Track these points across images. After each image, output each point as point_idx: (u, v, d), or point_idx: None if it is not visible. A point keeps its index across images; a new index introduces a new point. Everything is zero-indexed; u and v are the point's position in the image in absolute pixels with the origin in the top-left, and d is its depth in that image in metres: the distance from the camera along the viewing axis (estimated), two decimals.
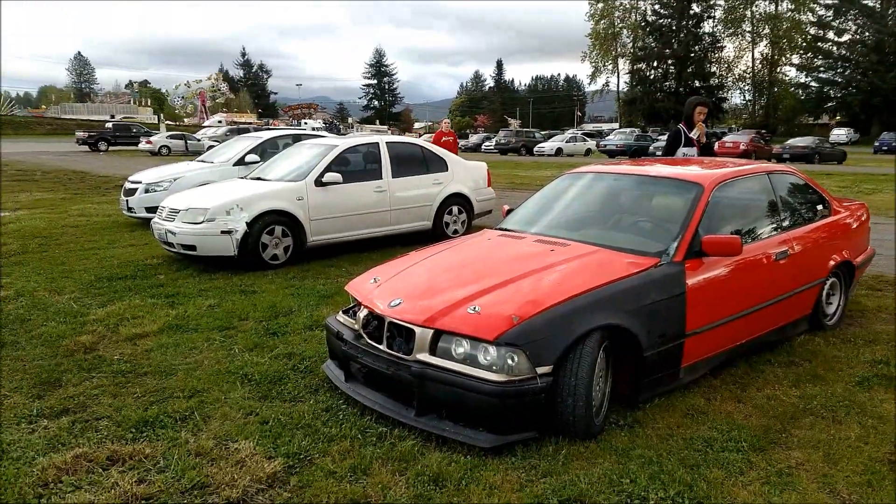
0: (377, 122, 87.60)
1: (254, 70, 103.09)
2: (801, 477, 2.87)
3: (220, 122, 52.77)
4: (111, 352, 4.39)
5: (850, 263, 4.95)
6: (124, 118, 55.93)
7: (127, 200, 9.62)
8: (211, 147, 17.48)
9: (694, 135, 6.43)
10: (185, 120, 68.80)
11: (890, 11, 55.93)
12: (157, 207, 7.62)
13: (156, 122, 52.21)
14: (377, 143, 8.08)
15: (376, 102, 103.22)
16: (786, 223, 4.47)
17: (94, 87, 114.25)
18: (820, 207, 4.88)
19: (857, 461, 3.00)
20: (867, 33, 56.82)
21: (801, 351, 4.40)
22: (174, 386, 3.80)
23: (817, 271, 4.63)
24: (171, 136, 34.29)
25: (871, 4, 57.00)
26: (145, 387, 3.79)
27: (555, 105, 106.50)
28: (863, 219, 5.29)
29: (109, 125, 41.36)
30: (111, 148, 36.22)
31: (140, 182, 9.58)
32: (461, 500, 2.66)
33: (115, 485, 2.73)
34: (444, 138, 12.41)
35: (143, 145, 33.61)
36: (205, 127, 45.66)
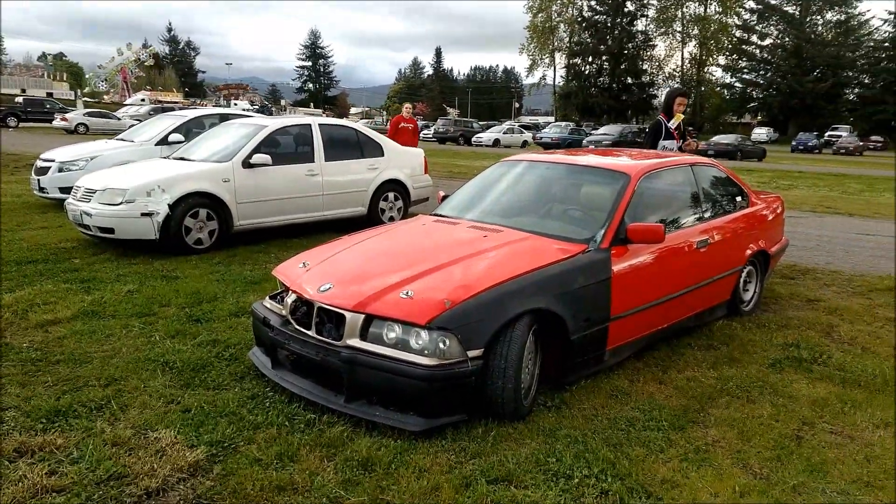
0: (311, 105, 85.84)
1: (181, 47, 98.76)
2: (717, 453, 3.00)
3: (143, 100, 50.32)
4: (19, 339, 4.12)
5: (766, 252, 5.21)
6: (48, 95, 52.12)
7: (38, 180, 9.02)
8: (132, 126, 16.68)
9: (673, 125, 6.46)
10: (105, 97, 65.23)
11: (808, 19, 59.15)
12: (71, 188, 7.20)
13: (72, 98, 49.37)
14: (309, 125, 7.88)
15: (311, 85, 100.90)
16: (707, 213, 4.65)
17: (2, 57, 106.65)
18: (739, 199, 5.11)
19: (768, 438, 3.17)
20: (787, 38, 59.90)
21: (719, 335, 4.61)
22: (89, 374, 3.60)
23: (735, 260, 4.85)
24: (90, 114, 32.48)
25: (791, 11, 60.07)
26: (57, 375, 3.58)
27: (493, 96, 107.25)
28: (778, 211, 5.57)
29: (20, 100, 38.79)
30: (22, 124, 33.92)
31: (53, 160, 9.01)
32: (390, 484, 2.64)
33: (24, 477, 2.57)
34: (402, 124, 10.93)
35: (57, 122, 31.61)
36: (126, 105, 43.55)
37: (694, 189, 4.67)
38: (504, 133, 39.52)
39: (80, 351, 3.96)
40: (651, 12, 64.66)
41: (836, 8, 58.39)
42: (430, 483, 2.65)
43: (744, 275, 4.99)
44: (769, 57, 61.34)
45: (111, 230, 6.33)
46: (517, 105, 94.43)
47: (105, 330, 4.33)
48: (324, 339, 3.24)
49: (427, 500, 2.56)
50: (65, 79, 72.49)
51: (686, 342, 4.42)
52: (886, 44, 55.93)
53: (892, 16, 55.12)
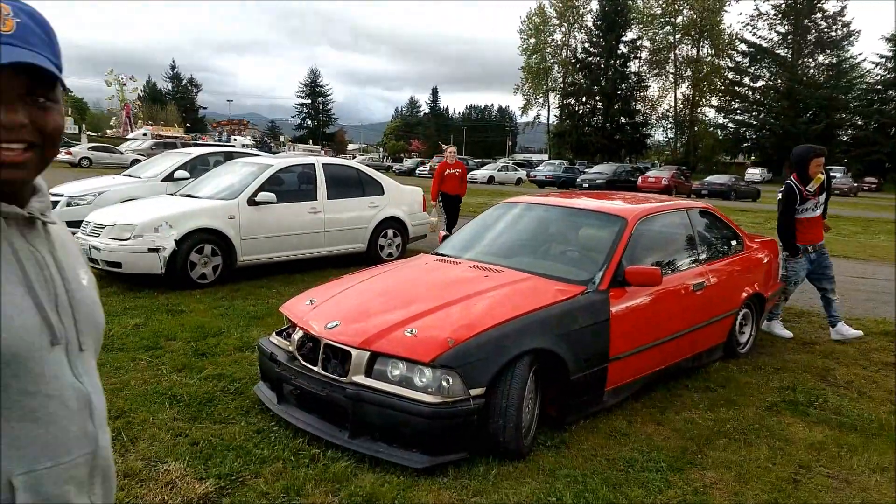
0: (310, 141, 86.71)
1: (183, 83, 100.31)
2: (715, 495, 3.06)
3: (145, 134, 50.91)
4: None
5: (762, 295, 5.32)
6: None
7: None
8: (136, 161, 16.89)
9: (811, 188, 5.65)
10: (108, 132, 65.90)
11: (800, 62, 60.43)
12: (79, 222, 7.31)
13: (76, 132, 49.86)
14: (312, 164, 8.08)
15: (310, 122, 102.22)
16: (703, 256, 4.78)
17: None
18: (734, 242, 5.25)
19: (765, 480, 3.22)
20: (779, 80, 61.10)
21: (716, 377, 4.68)
22: None
23: (731, 302, 4.95)
24: (94, 148, 32.81)
25: (783, 54, 61.41)
26: None
27: (487, 134, 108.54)
28: (773, 254, 5.71)
29: None
30: None
31: (62, 195, 9.14)
32: None
33: None
34: (448, 171, 9.54)
35: (62, 156, 31.93)
36: (129, 139, 43.97)
37: (689, 232, 4.80)
38: (499, 170, 40.00)
39: None
40: (644, 54, 66.09)
41: (828, 51, 59.70)
42: None
43: (739, 317, 5.09)
44: (762, 98, 62.47)
45: (118, 264, 6.43)
46: (511, 143, 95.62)
47: (114, 363, 4.39)
48: (329, 375, 3.32)
49: None
50: (69, 113, 73.42)
51: (683, 384, 4.50)
52: (879, 86, 57.01)
53: (884, 59, 56.39)
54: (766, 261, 5.52)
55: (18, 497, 0.84)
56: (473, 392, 3.09)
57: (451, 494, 2.92)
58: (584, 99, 66.65)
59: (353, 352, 3.23)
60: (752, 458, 3.46)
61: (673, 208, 4.86)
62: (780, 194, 5.76)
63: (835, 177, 45.18)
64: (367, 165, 9.40)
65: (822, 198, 5.79)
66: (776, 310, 5.90)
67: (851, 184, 42.39)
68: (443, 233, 5.17)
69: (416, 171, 42.57)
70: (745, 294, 5.07)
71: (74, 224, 7.94)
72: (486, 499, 2.88)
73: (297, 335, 3.60)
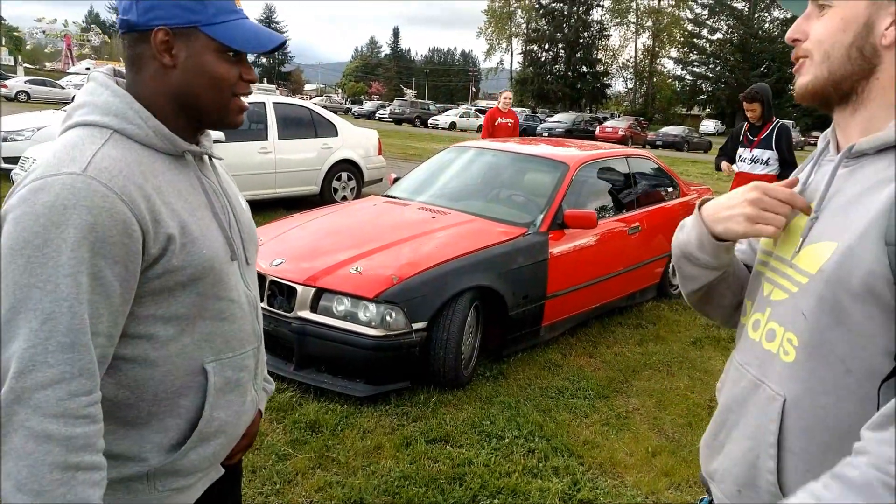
0: (265, 80, 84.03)
1: None
2: (636, 419, 3.34)
3: (88, 69, 48.45)
4: None
5: None
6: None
7: None
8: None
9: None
10: (47, 64, 62.41)
11: (755, 16, 60.98)
12: (17, 158, 7.09)
13: (11, 63, 47.13)
14: (263, 103, 7.91)
15: (264, 60, 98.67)
16: (639, 202, 4.98)
17: None
18: (671, 189, 5.47)
19: (683, 406, 3.52)
20: (735, 34, 61.67)
21: (648, 315, 4.98)
22: None
23: (665, 246, 5.19)
24: (31, 81, 31.15)
25: (740, 7, 61.81)
26: None
27: (450, 78, 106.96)
28: None
29: None
30: None
31: None
32: (335, 443, 2.87)
33: None
34: (499, 120, 8.15)
35: None
36: (70, 73, 41.85)
37: (629, 179, 4.99)
38: (460, 116, 39.67)
39: None
40: (607, 2, 65.59)
41: (782, 7, 60.37)
42: (373, 442, 2.90)
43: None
44: (718, 51, 63.09)
45: None
46: (474, 89, 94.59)
47: None
48: (275, 310, 3.42)
49: (370, 457, 2.80)
50: (3, 43, 69.00)
51: (617, 321, 4.77)
52: None
53: None
54: None
55: (210, 378, 1.07)
56: (416, 326, 3.25)
57: (392, 420, 3.10)
58: (546, 46, 66.08)
59: (299, 288, 3.33)
60: (672, 387, 3.75)
61: (614, 155, 5.03)
62: None
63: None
64: (324, 108, 9.23)
65: (767, 155, 5.15)
66: None
67: (799, 137, 43.60)
68: (393, 175, 5.22)
69: (377, 115, 41.87)
70: None
71: (12, 160, 7.69)
72: (425, 423, 3.08)
73: None
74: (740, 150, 5.37)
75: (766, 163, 5.18)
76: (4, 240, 0.89)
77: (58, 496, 0.86)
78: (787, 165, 5.14)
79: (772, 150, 5.15)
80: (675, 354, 4.25)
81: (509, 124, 8.20)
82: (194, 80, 1.03)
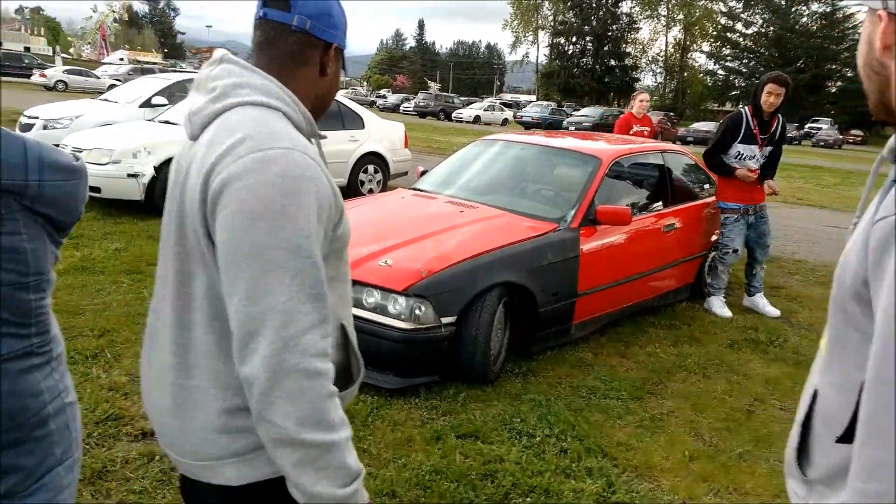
0: None
1: (160, 6, 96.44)
2: (671, 422, 3.27)
3: (121, 59, 49.32)
4: None
5: None
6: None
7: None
8: (113, 86, 16.44)
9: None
10: (83, 54, 63.54)
11: (793, 9, 59.48)
12: (56, 145, 7.21)
13: (50, 53, 48.07)
14: None
15: None
16: (674, 199, 4.89)
17: None
18: (707, 186, 5.36)
19: (720, 410, 3.44)
20: (771, 28, 60.28)
21: (682, 315, 4.88)
22: (82, 325, 3.77)
23: (701, 245, 5.11)
24: (69, 71, 31.72)
25: (776, 1, 60.36)
26: None
27: (475, 71, 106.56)
28: None
29: None
30: None
31: (38, 117, 8.96)
32: (367, 435, 2.87)
33: None
34: (635, 128, 6.78)
35: (36, 78, 30.83)
36: (105, 63, 42.58)
37: (663, 175, 4.90)
38: (485, 110, 39.43)
39: (72, 303, 4.11)
40: None
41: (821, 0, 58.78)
42: (404, 435, 2.89)
43: (708, 260, 5.26)
44: (752, 45, 61.76)
45: (98, 189, 6.40)
46: (499, 82, 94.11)
47: (96, 285, 4.47)
48: None
49: (400, 450, 2.80)
50: (42, 33, 70.39)
51: (650, 321, 4.68)
52: None
53: None
54: None
55: (348, 332, 1.22)
56: (445, 320, 3.23)
57: (422, 413, 3.09)
58: (574, 39, 65.36)
59: None
60: (709, 390, 3.67)
61: (648, 150, 4.94)
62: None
63: (820, 128, 45.29)
64: (350, 100, 9.23)
65: (766, 151, 4.88)
66: (717, 283, 5.04)
67: (837, 136, 42.45)
68: (420, 168, 5.20)
69: (401, 108, 41.88)
70: (715, 237, 5.22)
71: None
72: (455, 418, 3.06)
73: None
74: (743, 148, 4.80)
75: (763, 158, 4.89)
76: (240, 204, 0.98)
77: (333, 420, 1.01)
78: (774, 159, 4.97)
79: (771, 146, 4.91)
80: (711, 357, 4.15)
81: (645, 132, 6.75)
82: (332, 88, 1.26)
